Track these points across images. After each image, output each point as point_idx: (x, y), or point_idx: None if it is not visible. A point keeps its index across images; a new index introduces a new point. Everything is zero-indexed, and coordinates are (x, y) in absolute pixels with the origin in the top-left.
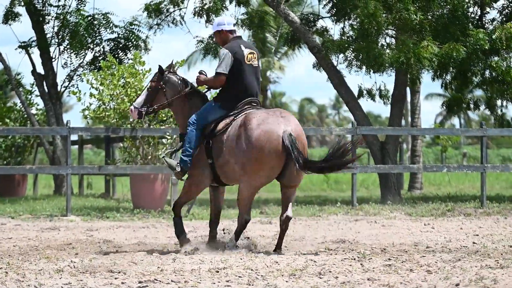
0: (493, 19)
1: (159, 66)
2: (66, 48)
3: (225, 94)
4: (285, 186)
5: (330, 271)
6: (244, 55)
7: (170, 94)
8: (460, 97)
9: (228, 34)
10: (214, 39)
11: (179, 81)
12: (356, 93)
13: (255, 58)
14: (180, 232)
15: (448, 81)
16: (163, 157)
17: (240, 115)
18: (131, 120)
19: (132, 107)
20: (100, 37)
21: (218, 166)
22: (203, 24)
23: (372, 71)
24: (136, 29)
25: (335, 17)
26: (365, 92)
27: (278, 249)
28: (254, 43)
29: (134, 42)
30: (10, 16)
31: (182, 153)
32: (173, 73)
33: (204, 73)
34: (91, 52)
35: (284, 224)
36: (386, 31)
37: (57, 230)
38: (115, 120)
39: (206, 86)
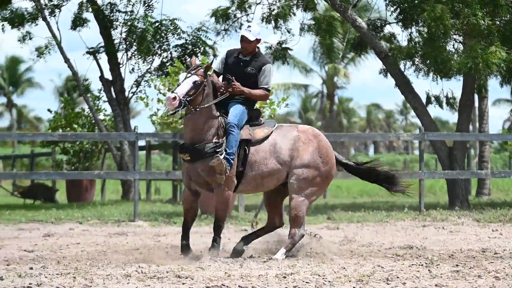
0: None
1: (208, 63)
2: (133, 54)
3: (251, 101)
4: None
5: (397, 277)
6: None
7: (207, 95)
8: None
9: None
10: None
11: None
12: (423, 99)
13: None
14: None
15: None
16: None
17: (275, 127)
18: (165, 109)
19: (173, 94)
20: (167, 43)
21: (248, 176)
22: (271, 29)
23: (439, 76)
24: (203, 35)
25: (403, 23)
26: (433, 98)
27: None
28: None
29: (202, 48)
30: (79, 22)
31: (230, 155)
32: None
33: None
34: (159, 58)
35: None
36: (454, 36)
37: (125, 235)
38: (182, 125)
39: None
